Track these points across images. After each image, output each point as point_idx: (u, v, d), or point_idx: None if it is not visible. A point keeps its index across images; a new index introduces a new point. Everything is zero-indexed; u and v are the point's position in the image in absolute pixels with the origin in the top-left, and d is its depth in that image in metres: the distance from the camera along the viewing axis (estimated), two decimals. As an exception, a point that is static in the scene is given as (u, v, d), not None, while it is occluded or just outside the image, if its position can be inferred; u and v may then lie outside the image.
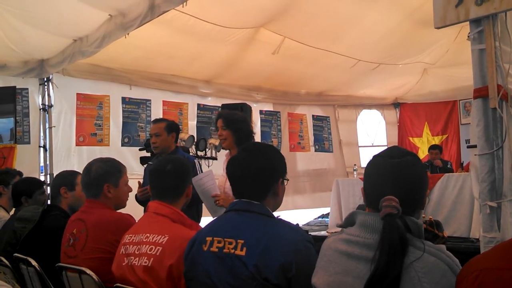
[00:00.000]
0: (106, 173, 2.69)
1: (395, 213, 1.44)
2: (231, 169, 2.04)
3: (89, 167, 2.71)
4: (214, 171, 3.87)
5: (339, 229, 1.64)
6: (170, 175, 2.40)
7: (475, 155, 2.41)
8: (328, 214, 7.32)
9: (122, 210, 2.77)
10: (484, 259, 1.33)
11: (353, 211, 1.60)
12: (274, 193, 1.98)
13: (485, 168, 2.32)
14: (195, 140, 6.17)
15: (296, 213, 8.11)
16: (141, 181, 4.15)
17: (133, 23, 4.46)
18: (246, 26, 5.85)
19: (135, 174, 5.45)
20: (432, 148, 8.34)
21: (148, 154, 5.28)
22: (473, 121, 2.43)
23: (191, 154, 5.69)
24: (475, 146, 2.42)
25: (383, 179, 1.57)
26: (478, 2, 2.31)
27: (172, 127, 4.24)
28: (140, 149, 5.85)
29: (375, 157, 1.65)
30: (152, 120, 5.22)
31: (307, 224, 7.55)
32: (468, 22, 2.44)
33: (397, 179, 1.54)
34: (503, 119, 2.30)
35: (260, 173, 1.96)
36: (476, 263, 1.31)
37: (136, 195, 3.98)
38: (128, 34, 4.71)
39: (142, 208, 3.82)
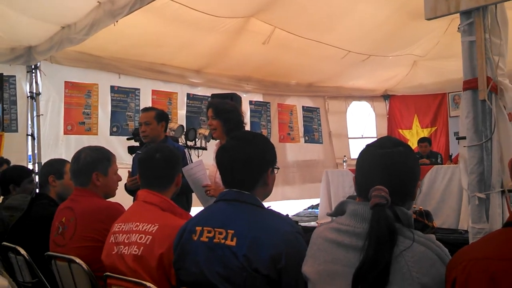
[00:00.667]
0: (95, 161, 2.67)
1: (384, 203, 1.45)
2: (220, 158, 2.03)
3: (78, 155, 2.69)
4: (204, 161, 3.86)
5: (329, 219, 1.65)
6: (159, 163, 2.38)
7: (464, 146, 2.43)
8: (317, 205, 7.36)
9: (111, 199, 2.76)
10: (472, 250, 1.35)
11: (343, 200, 1.60)
12: (264, 182, 1.96)
13: (474, 160, 2.34)
14: (185, 130, 6.15)
15: (285, 203, 8.14)
16: (130, 170, 4.14)
17: (122, 10, 4.42)
18: (236, 15, 5.82)
19: (124, 163, 5.41)
20: (421, 141, 8.39)
21: (137, 144, 5.25)
22: (462, 112, 2.44)
23: (180, 143, 5.67)
24: (464, 138, 2.44)
25: (373, 169, 1.57)
26: (469, -7, 2.31)
27: (162, 116, 4.22)
28: (128, 139, 5.79)
29: (367, 146, 1.65)
30: (141, 109, 5.19)
31: (297, 214, 7.60)
32: (458, 14, 2.44)
33: (387, 169, 1.55)
34: (492, 111, 2.32)
35: (249, 162, 1.94)
36: (465, 253, 1.33)
37: (125, 184, 3.97)
38: (116, 21, 4.67)
39: (132, 198, 3.81)
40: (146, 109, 4.33)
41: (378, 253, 1.39)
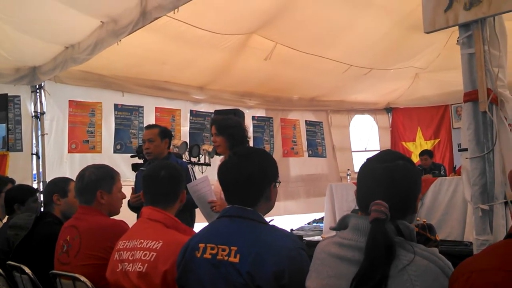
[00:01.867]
0: (99, 179, 2.68)
1: (383, 218, 1.45)
2: (222, 175, 2.04)
3: (82, 173, 2.70)
4: (208, 177, 3.86)
5: (334, 233, 1.65)
6: (164, 180, 2.39)
7: (466, 158, 2.43)
8: (321, 218, 7.32)
9: (115, 217, 2.77)
10: (475, 261, 1.35)
11: (346, 214, 1.60)
12: (267, 197, 1.97)
13: (477, 171, 2.34)
14: (188, 146, 6.16)
15: (290, 218, 8.11)
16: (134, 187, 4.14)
17: (125, 29, 4.46)
18: (238, 32, 5.87)
19: (128, 180, 5.41)
20: (421, 154, 8.40)
21: (141, 161, 5.26)
22: (464, 124, 2.45)
23: (184, 160, 5.68)
24: (466, 150, 2.44)
25: (373, 183, 1.57)
26: (467, 6, 2.33)
27: (165, 133, 4.25)
28: (131, 156, 5.81)
29: (367, 160, 1.66)
30: (144, 126, 5.22)
31: (301, 229, 7.55)
32: (457, 27, 2.46)
33: (387, 184, 1.54)
34: (493, 122, 2.32)
35: (251, 178, 1.94)
36: (467, 265, 1.33)
37: (128, 201, 3.97)
38: (120, 41, 4.71)
39: (135, 215, 3.80)
40: (149, 126, 4.36)
41: (372, 267, 1.39)
